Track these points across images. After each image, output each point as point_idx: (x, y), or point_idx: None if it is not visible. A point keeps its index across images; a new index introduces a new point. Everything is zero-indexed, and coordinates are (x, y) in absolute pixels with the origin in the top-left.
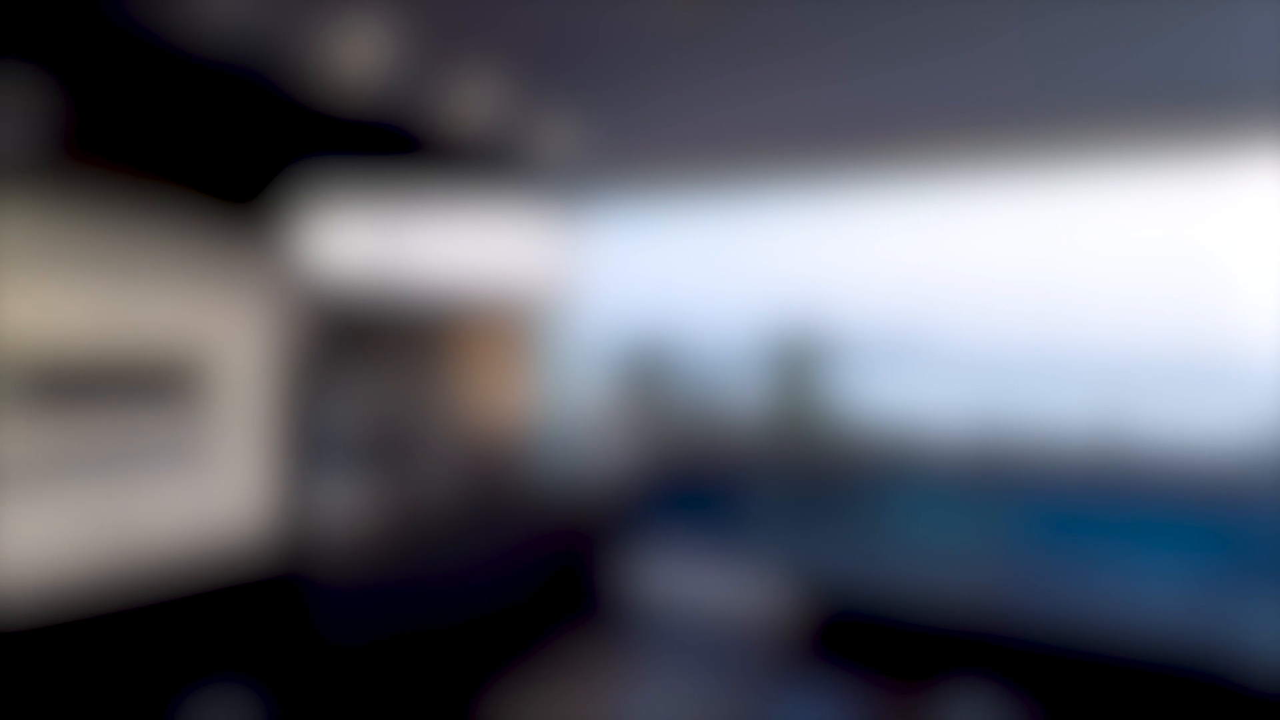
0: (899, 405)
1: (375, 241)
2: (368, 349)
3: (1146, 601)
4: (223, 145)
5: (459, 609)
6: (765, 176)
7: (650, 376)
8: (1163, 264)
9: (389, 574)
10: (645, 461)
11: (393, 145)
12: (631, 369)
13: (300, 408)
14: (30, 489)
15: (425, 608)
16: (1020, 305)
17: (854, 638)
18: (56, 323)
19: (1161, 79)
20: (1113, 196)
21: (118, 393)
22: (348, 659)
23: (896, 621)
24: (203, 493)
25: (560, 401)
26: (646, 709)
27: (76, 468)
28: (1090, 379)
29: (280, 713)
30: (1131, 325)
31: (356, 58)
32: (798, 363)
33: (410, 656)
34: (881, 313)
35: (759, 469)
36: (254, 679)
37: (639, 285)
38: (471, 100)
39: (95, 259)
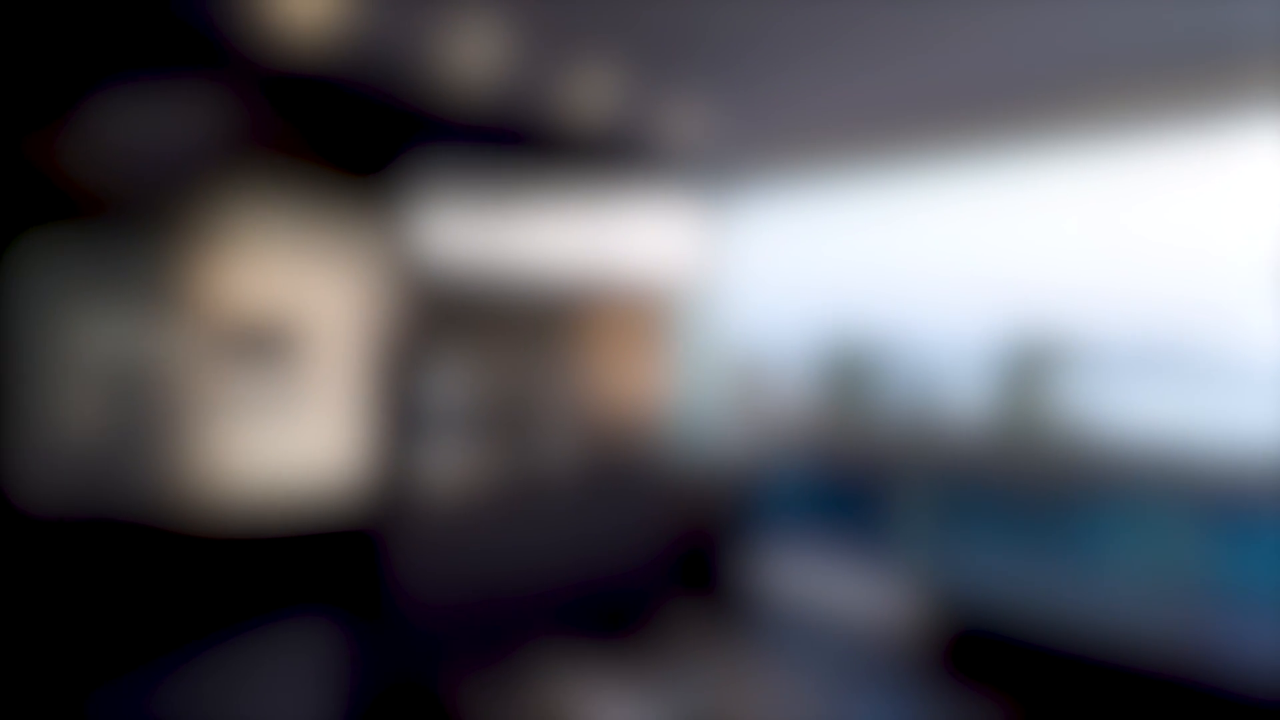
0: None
1: (498, 228)
2: (487, 327)
3: None
4: (353, 135)
5: (557, 579)
6: (943, 154)
7: (823, 370)
8: None
9: (487, 538)
10: (792, 454)
11: (517, 136)
12: (784, 360)
13: (414, 375)
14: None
15: (521, 576)
16: None
17: (997, 660)
18: (228, 288)
19: None
20: None
21: (260, 349)
22: (428, 615)
23: (1054, 650)
24: (313, 443)
25: (699, 390)
26: (746, 696)
27: (228, 410)
28: None
29: (360, 649)
30: None
31: (479, 49)
32: (1018, 367)
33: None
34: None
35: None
36: (337, 616)
37: (787, 273)
38: (595, 90)
39: (255, 235)
